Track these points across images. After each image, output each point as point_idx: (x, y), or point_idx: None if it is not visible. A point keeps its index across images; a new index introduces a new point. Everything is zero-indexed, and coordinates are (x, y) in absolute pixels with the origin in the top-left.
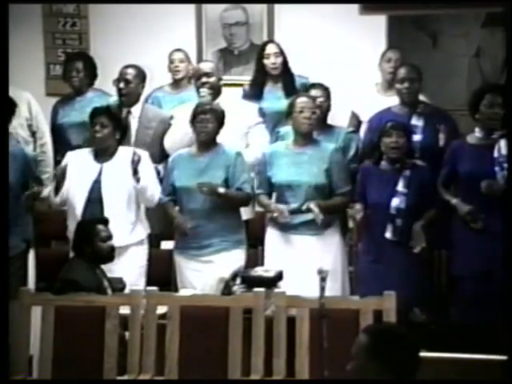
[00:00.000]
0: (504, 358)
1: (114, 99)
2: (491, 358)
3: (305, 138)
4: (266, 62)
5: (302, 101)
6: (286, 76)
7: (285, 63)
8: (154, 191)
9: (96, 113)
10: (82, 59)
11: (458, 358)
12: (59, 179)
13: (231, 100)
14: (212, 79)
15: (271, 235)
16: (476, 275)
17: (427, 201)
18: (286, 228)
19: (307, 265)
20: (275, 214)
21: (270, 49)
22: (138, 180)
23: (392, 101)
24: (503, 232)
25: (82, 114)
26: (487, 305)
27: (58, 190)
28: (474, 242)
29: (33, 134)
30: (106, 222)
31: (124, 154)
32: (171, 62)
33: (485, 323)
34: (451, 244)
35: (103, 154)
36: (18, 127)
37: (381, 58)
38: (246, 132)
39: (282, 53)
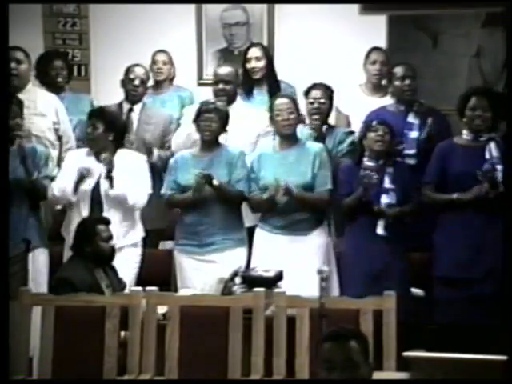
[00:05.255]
0: (504, 358)
1: (89, 97)
2: (491, 358)
3: (288, 140)
4: (247, 66)
5: (278, 103)
6: (270, 79)
7: (268, 67)
8: (138, 199)
9: (90, 115)
10: (61, 57)
11: (458, 358)
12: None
13: (244, 106)
14: (229, 87)
15: (260, 235)
16: (475, 276)
17: (409, 196)
18: (274, 228)
19: (294, 265)
20: (265, 195)
21: (252, 52)
22: (111, 187)
23: (381, 102)
24: (501, 232)
25: (71, 112)
26: (486, 305)
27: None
28: (469, 243)
29: (59, 137)
30: (107, 222)
31: (122, 156)
32: (154, 62)
33: (484, 323)
34: (449, 244)
35: (101, 154)
36: (46, 131)
37: (365, 59)
38: (254, 141)
39: (265, 56)
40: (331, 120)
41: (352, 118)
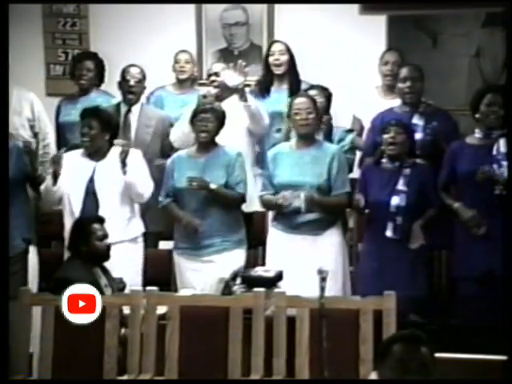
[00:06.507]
0: (504, 358)
1: (115, 100)
2: (491, 358)
3: (306, 139)
4: (270, 59)
5: (298, 102)
6: (291, 77)
7: (291, 63)
8: (145, 188)
9: (84, 114)
10: (93, 59)
11: (458, 358)
12: (56, 166)
13: (234, 102)
14: (221, 78)
15: (273, 235)
16: (477, 276)
17: (427, 199)
18: (287, 228)
19: (308, 265)
20: (280, 201)
21: (276, 47)
22: (125, 172)
23: (393, 104)
24: (504, 233)
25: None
26: (488, 305)
27: (56, 177)
28: (476, 243)
29: (35, 134)
30: (101, 220)
31: (117, 152)
32: (177, 62)
33: (485, 323)
34: (452, 245)
35: (96, 153)
36: (19, 128)
37: (379, 60)
38: (248, 136)
39: (288, 52)
40: (347, 125)
41: (366, 122)
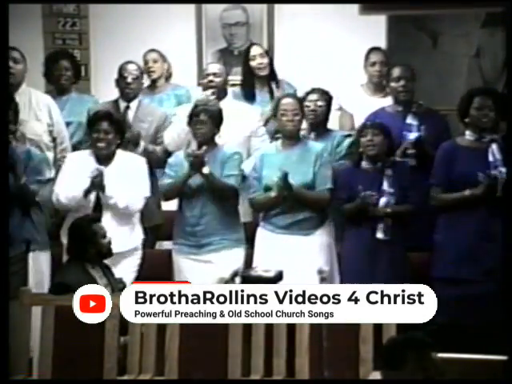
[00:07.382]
0: (504, 358)
1: (92, 98)
2: (491, 358)
3: (291, 139)
4: (252, 63)
5: (284, 102)
6: (271, 78)
7: (270, 64)
8: (130, 201)
9: (97, 118)
10: (68, 57)
11: (458, 358)
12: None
13: (235, 102)
14: (218, 79)
15: (261, 235)
16: (474, 276)
17: (407, 196)
18: (276, 228)
19: (297, 264)
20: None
21: (255, 50)
22: (102, 191)
23: (383, 102)
24: (502, 233)
25: (72, 114)
26: (485, 305)
27: (88, 193)
28: (474, 244)
29: (53, 139)
30: (99, 219)
31: (122, 159)
32: (145, 62)
33: (483, 323)
34: (449, 244)
35: (104, 157)
36: (42, 134)
37: (364, 60)
38: (248, 136)
39: (267, 53)
40: (335, 120)
41: (355, 118)
